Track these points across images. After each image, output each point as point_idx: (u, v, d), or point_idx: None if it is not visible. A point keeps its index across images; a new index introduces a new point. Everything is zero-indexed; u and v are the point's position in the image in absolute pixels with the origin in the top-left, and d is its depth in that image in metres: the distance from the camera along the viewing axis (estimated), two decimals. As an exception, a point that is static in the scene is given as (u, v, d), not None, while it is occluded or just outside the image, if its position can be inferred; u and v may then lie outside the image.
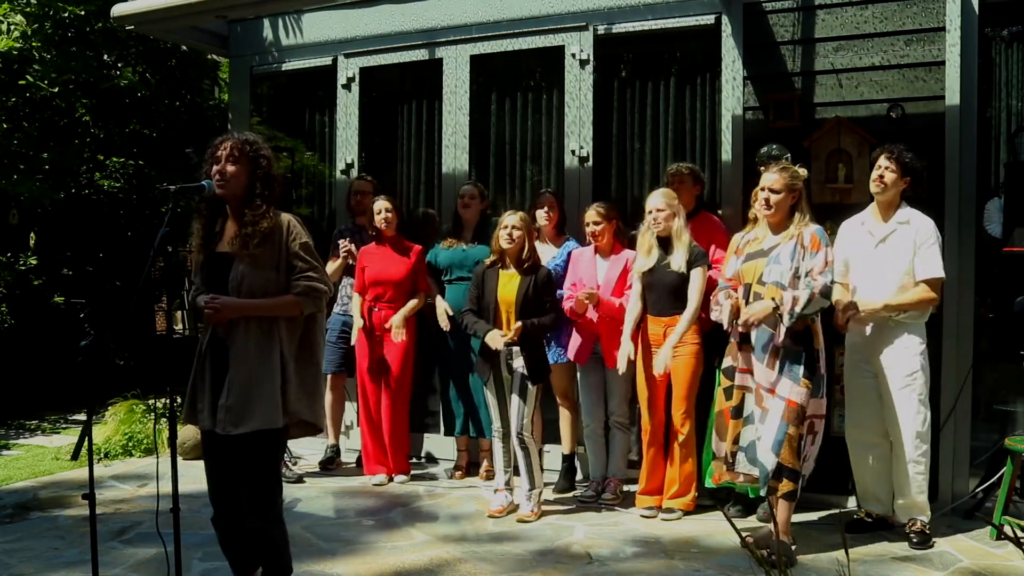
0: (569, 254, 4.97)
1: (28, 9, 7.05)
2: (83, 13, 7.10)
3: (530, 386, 4.48)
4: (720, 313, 4.04)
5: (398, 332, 5.13)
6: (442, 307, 5.24)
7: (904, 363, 4.04)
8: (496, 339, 4.44)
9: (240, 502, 2.97)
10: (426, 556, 3.96)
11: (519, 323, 4.42)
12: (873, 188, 4.14)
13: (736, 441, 3.97)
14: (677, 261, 4.40)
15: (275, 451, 3.06)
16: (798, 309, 3.76)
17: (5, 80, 7.02)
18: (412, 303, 5.20)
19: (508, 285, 4.52)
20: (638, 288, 4.55)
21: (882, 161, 4.12)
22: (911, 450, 4.01)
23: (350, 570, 3.79)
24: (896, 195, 4.13)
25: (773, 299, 3.80)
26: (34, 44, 7.05)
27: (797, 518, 4.05)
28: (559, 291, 4.89)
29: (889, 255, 4.09)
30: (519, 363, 4.48)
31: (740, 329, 3.95)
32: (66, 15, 7.02)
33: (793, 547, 3.88)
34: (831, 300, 3.90)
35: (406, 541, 4.19)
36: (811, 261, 3.83)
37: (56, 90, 7.10)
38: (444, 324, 5.22)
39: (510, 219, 4.54)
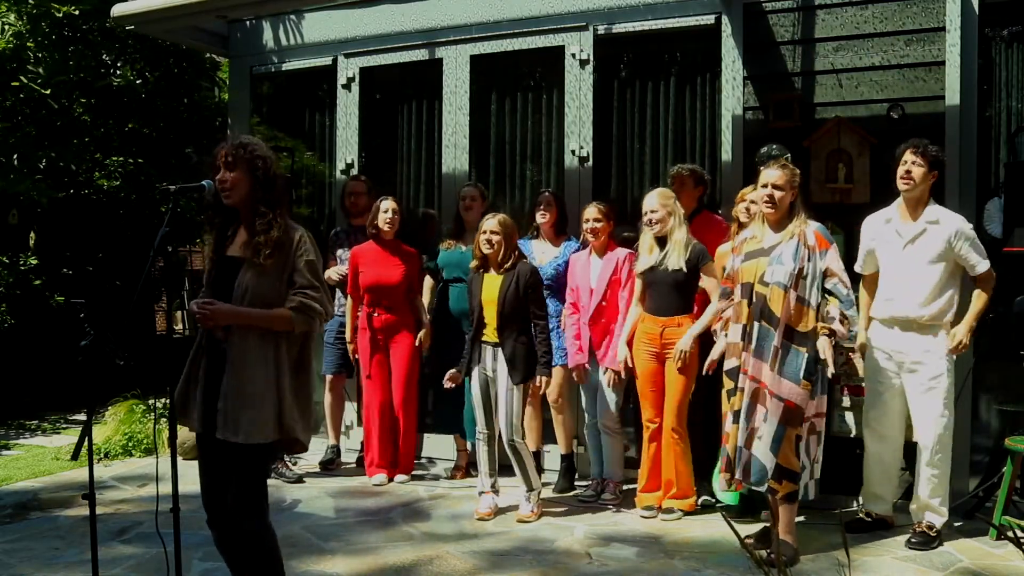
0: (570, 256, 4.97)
1: (24, 8, 7.04)
2: (77, 12, 7.09)
3: (516, 389, 4.44)
4: (719, 340, 4.14)
5: (427, 344, 5.23)
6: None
7: (930, 365, 4.01)
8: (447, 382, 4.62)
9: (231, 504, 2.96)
10: (426, 556, 3.95)
11: (544, 379, 4.49)
12: (901, 186, 4.06)
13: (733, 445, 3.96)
14: (674, 260, 4.41)
15: (266, 461, 3.06)
16: (855, 329, 3.85)
17: (1, 80, 7.01)
18: (427, 321, 5.25)
19: (490, 286, 4.51)
20: (638, 289, 4.55)
21: (908, 156, 4.04)
22: (930, 454, 3.99)
23: (350, 570, 3.79)
24: (925, 191, 4.07)
25: (824, 333, 3.76)
26: (29, 44, 7.03)
27: (797, 518, 4.04)
28: (559, 305, 4.91)
29: (920, 256, 4.03)
30: (502, 367, 4.47)
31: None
32: (60, 15, 7.01)
33: (797, 548, 3.87)
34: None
35: (406, 541, 4.19)
36: (823, 261, 3.81)
37: (49, 92, 7.08)
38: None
39: (488, 224, 4.52)
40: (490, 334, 4.51)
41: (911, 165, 4.03)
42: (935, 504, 4.02)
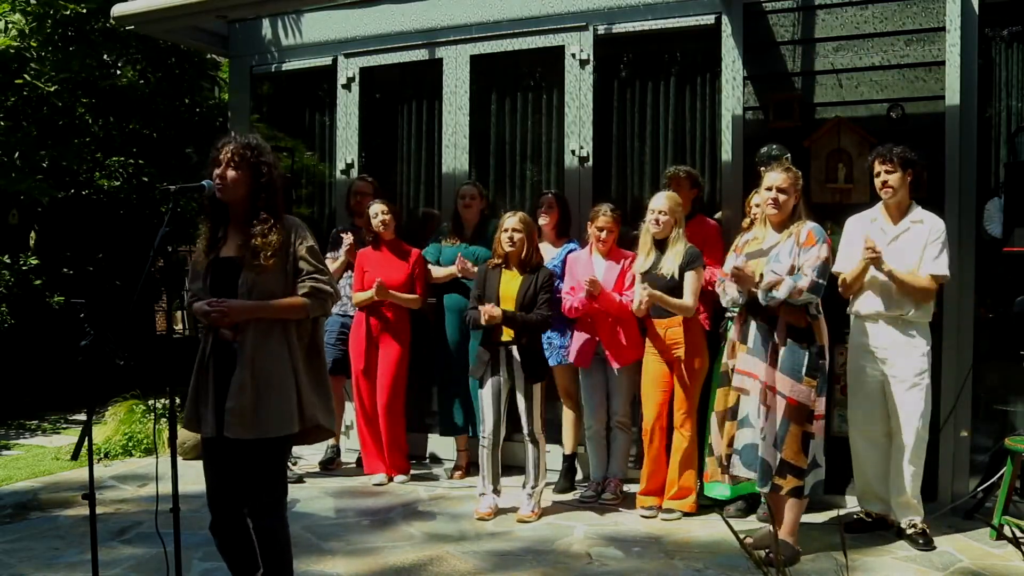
0: (567, 255, 4.96)
1: (28, 8, 7.05)
2: (84, 11, 7.11)
3: (534, 385, 4.48)
4: (725, 294, 4.02)
5: (382, 291, 5.02)
6: (444, 271, 5.14)
7: (913, 362, 4.04)
8: (492, 311, 4.38)
9: (240, 507, 2.96)
10: (426, 555, 3.96)
11: (499, 311, 4.37)
12: (884, 196, 4.13)
13: (731, 444, 3.95)
14: (668, 265, 4.41)
15: (285, 454, 3.07)
16: (777, 294, 3.74)
17: (3, 79, 7.02)
18: (408, 296, 5.16)
19: (509, 284, 4.53)
20: (640, 286, 4.56)
21: (877, 167, 4.11)
22: (913, 449, 4.01)
23: (350, 570, 3.79)
24: (905, 194, 4.11)
25: (762, 275, 3.78)
26: (32, 44, 7.04)
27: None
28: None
29: (901, 253, 4.07)
30: (518, 367, 4.50)
31: (738, 285, 3.89)
32: (68, 12, 7.02)
33: (797, 548, 3.86)
34: (819, 297, 3.83)
35: (406, 541, 4.19)
36: (803, 256, 3.82)
37: (53, 89, 7.10)
38: (467, 270, 4.99)
39: (510, 221, 4.54)
40: (506, 334, 4.52)
41: (885, 175, 4.09)
42: (914, 501, 4.05)
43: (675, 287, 4.41)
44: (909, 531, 4.04)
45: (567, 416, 5.03)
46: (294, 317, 2.92)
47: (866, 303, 4.17)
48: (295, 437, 2.99)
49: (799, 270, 3.80)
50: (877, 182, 4.13)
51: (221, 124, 8.05)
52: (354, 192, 5.61)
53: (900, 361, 4.06)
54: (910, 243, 4.08)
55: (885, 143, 4.18)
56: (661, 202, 4.47)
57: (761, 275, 3.80)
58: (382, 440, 5.25)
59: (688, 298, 4.38)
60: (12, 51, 6.93)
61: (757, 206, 4.38)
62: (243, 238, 2.93)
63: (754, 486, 4.05)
